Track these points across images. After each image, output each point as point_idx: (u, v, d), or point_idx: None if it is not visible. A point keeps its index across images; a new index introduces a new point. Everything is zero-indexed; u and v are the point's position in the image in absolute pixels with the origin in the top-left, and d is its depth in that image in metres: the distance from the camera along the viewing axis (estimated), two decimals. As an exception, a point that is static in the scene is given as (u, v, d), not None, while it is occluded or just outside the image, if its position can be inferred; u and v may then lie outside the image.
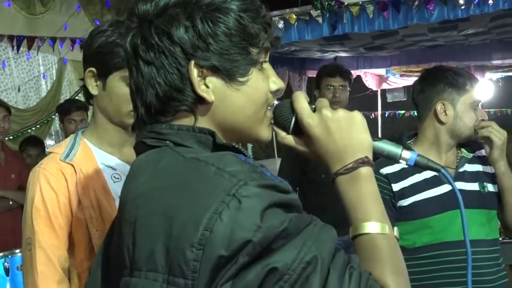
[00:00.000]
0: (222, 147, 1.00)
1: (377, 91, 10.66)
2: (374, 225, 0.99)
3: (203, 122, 1.02)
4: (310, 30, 5.53)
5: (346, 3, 5.29)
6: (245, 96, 1.01)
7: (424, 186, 2.25)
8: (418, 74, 9.26)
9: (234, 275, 0.85)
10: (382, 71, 9.70)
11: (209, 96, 0.99)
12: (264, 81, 1.04)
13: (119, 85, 1.65)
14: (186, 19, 0.97)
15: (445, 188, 2.23)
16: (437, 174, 2.16)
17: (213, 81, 1.00)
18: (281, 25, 5.61)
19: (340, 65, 4.17)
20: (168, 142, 1.00)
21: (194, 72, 0.98)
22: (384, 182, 2.26)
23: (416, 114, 2.75)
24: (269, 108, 1.07)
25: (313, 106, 1.07)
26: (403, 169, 2.26)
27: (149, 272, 0.90)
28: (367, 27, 5.31)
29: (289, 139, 1.09)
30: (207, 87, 0.99)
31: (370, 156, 1.05)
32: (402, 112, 11.85)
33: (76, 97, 5.59)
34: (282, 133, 1.09)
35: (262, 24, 1.02)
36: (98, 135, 1.74)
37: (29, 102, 5.99)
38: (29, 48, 5.66)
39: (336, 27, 5.37)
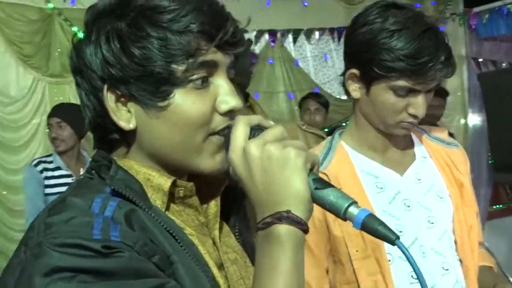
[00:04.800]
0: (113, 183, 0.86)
1: None
2: None
3: (135, 152, 0.90)
4: None
5: None
6: (167, 123, 0.85)
7: None
8: None
9: None
10: None
11: (126, 124, 0.87)
12: (197, 103, 0.86)
13: (384, 94, 1.40)
14: (96, 37, 0.85)
15: None
16: None
17: (134, 107, 0.87)
18: None
19: None
20: (93, 172, 0.90)
21: (108, 97, 0.86)
22: None
23: None
24: (215, 133, 0.89)
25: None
26: None
27: None
28: None
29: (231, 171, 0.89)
30: (130, 112, 0.87)
31: (300, 209, 0.81)
32: None
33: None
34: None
35: (200, 33, 0.83)
36: (359, 138, 1.52)
37: (351, 92, 5.87)
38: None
39: None
